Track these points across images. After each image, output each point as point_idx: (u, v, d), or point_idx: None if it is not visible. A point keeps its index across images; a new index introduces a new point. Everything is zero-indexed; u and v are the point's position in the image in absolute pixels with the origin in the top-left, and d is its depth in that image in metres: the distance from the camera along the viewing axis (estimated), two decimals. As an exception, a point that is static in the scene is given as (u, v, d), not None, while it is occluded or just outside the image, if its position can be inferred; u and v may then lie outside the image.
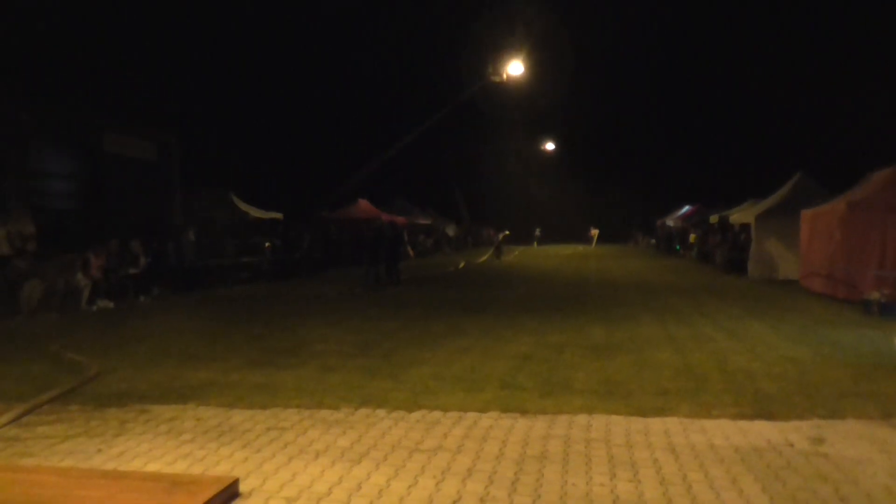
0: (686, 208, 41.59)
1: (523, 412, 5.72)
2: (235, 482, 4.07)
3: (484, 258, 31.95)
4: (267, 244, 23.54)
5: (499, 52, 31.64)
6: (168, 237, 18.93)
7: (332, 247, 27.18)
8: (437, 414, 5.70)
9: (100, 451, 4.86)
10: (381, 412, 5.76)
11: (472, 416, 5.64)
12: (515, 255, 36.98)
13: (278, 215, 25.62)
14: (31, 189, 17.13)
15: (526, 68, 30.85)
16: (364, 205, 31.63)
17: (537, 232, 54.72)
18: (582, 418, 5.54)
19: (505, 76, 31.56)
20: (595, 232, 53.91)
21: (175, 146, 22.23)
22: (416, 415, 5.67)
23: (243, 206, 23.93)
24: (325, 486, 4.15)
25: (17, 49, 20.79)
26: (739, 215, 23.63)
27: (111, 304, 14.06)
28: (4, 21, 19.78)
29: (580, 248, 49.05)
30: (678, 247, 36.91)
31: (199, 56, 28.70)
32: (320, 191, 31.90)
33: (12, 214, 15.50)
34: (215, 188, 24.00)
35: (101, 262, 14.71)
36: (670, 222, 42.36)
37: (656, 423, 5.38)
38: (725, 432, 5.15)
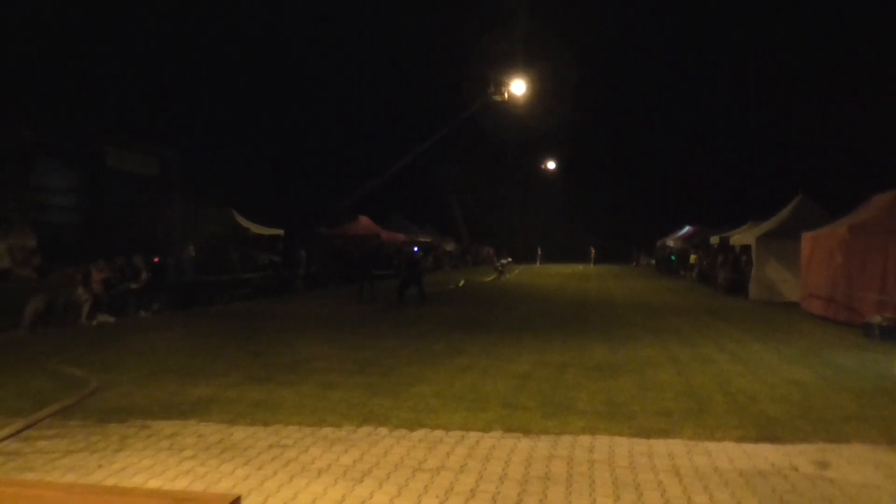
0: (686, 229, 41.65)
1: (526, 432, 5.70)
2: (238, 500, 4.03)
3: (490, 278, 31.89)
4: (267, 260, 23.53)
5: (501, 70, 31.83)
6: (168, 252, 18.93)
7: (331, 264, 27.19)
8: (439, 433, 5.67)
9: (101, 466, 4.83)
10: (382, 430, 5.73)
11: (474, 435, 5.62)
12: (516, 274, 37.00)
13: (279, 231, 25.64)
14: (34, 203, 17.18)
15: (528, 87, 31.03)
16: (365, 221, 31.67)
17: (539, 251, 54.78)
18: (585, 439, 5.52)
19: (506, 95, 31.74)
20: (593, 251, 53.95)
21: (176, 162, 22.32)
22: (419, 433, 5.65)
23: (244, 223, 23.95)
24: (328, 505, 4.13)
25: (20, 66, 20.89)
26: (740, 236, 23.65)
27: (112, 319, 14.03)
28: (7, 38, 19.90)
29: (580, 267, 49.11)
30: (673, 257, 36.97)
31: (201, 73, 28.86)
32: (320, 207, 31.93)
33: (14, 228, 15.53)
34: (216, 204, 24.03)
35: (103, 277, 14.70)
36: (671, 242, 42.40)
37: (660, 445, 5.35)
38: (730, 455, 5.12)
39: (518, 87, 31.19)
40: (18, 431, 5.66)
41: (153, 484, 4.47)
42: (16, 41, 20.57)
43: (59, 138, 18.25)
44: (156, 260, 17.43)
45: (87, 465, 4.86)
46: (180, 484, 4.48)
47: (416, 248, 27.36)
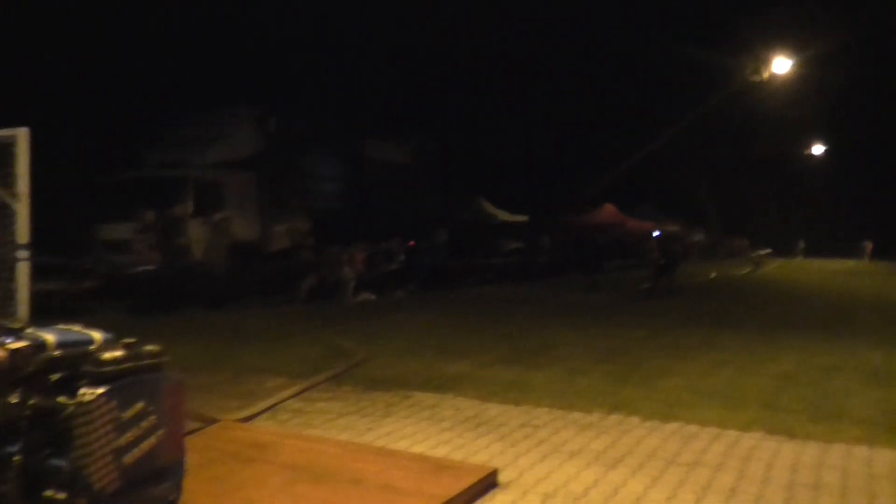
0: None
1: (791, 435, 5.31)
2: (494, 472, 4.22)
3: (744, 271, 30.00)
4: (511, 246, 24.12)
5: (761, 48, 29.63)
6: (422, 237, 20.08)
7: (574, 251, 27.17)
8: (693, 427, 5.47)
9: (370, 429, 5.28)
10: (634, 419, 5.65)
11: (732, 433, 5.34)
12: (774, 267, 34.42)
13: (524, 218, 26.12)
14: (307, 190, 19.01)
15: (791, 65, 28.58)
16: (609, 209, 31.22)
17: (801, 244, 50.19)
18: (861, 450, 5.02)
19: (767, 75, 29.53)
20: (869, 245, 48.26)
21: (430, 151, 23.54)
22: (672, 426, 5.49)
23: (491, 209, 24.72)
24: (581, 487, 4.16)
25: (295, 70, 23.31)
26: None
27: (373, 297, 15.24)
28: (286, 45, 22.31)
29: (850, 262, 44.38)
30: None
31: (454, 66, 30.08)
32: (565, 195, 32.01)
33: (292, 212, 17.35)
34: (466, 191, 25.03)
35: (365, 258, 15.99)
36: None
37: (955, 463, 4.73)
38: None
39: (781, 65, 28.82)
40: (301, 392, 6.36)
41: (416, 449, 4.80)
42: (295, 49, 22.99)
43: (328, 132, 20.02)
44: (411, 244, 18.60)
45: (358, 427, 5.33)
46: (440, 452, 4.76)
47: (657, 233, 26.46)
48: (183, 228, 13.52)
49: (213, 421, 5.06)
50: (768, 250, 36.66)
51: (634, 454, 4.78)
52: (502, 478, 4.26)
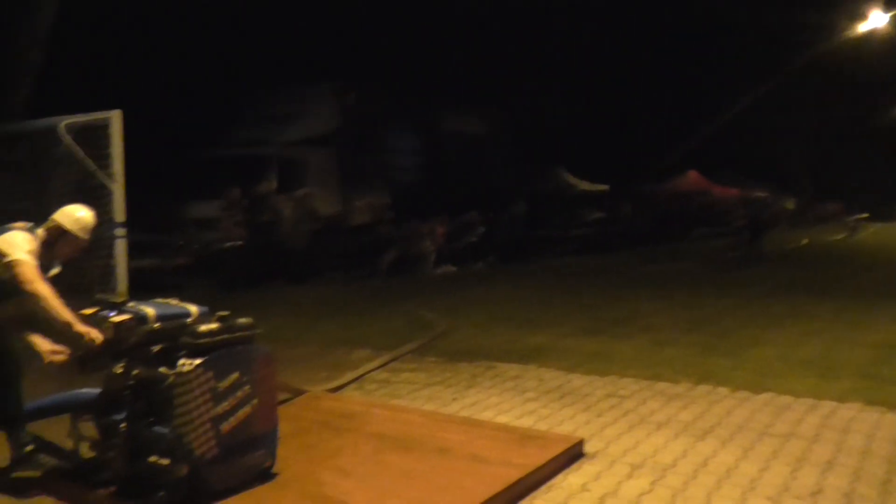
0: None
1: (891, 407, 5.08)
2: (581, 442, 4.20)
3: (839, 237, 28.74)
4: (592, 217, 23.80)
5: (856, 2, 28.01)
6: (501, 209, 19.99)
7: (657, 220, 26.56)
8: (786, 398, 5.30)
9: (455, 399, 5.33)
10: (722, 390, 5.52)
11: (827, 404, 5.15)
12: (870, 233, 32.82)
13: (604, 187, 25.67)
14: (386, 165, 19.13)
15: (890, 19, 26.94)
16: (693, 176, 30.31)
17: None
18: (972, 422, 4.77)
19: (862, 30, 27.98)
20: None
21: (507, 122, 23.32)
22: (763, 397, 5.33)
23: (571, 179, 24.39)
24: (670, 458, 4.10)
25: (372, 45, 23.48)
26: None
27: (453, 269, 15.31)
28: (364, 20, 22.46)
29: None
30: None
31: (529, 35, 29.61)
32: (648, 162, 31.24)
33: (372, 187, 17.52)
34: (544, 161, 24.75)
35: (445, 231, 16.05)
36: None
37: None
38: None
39: (877, 19, 27.21)
40: (386, 363, 6.48)
41: (501, 420, 4.82)
42: (374, 24, 23.12)
43: (406, 105, 20.05)
44: (490, 216, 18.54)
45: (443, 397, 5.39)
46: (525, 422, 4.77)
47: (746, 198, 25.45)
48: (267, 205, 13.83)
49: (303, 392, 5.21)
50: (865, 215, 34.82)
51: (724, 425, 4.68)
52: (588, 448, 4.24)
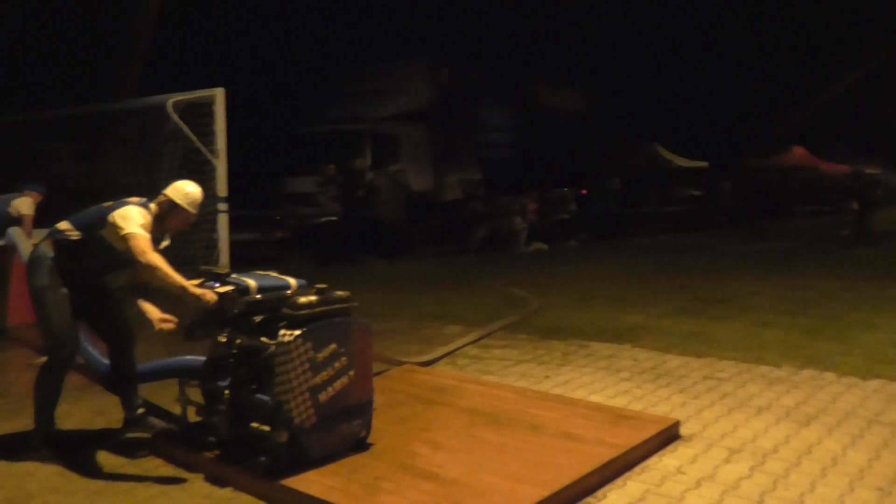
0: None
1: None
2: (676, 424, 4.11)
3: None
4: (689, 193, 23.10)
5: None
6: (594, 185, 19.66)
7: (760, 198, 25.52)
8: (899, 386, 5.03)
9: (547, 377, 5.30)
10: (829, 375, 5.28)
11: (946, 393, 4.86)
12: None
13: (703, 164, 24.83)
14: (478, 140, 19.08)
15: None
16: (799, 152, 28.90)
17: None
18: None
19: None
20: None
21: (602, 97, 22.82)
22: (873, 384, 5.07)
23: (667, 155, 23.70)
24: (770, 443, 3.96)
25: (465, 19, 23.35)
26: None
27: (545, 246, 15.20)
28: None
29: None
30: None
31: (624, 6, 28.80)
32: (750, 138, 29.95)
33: (464, 163, 17.52)
34: (639, 137, 24.14)
35: (536, 207, 15.93)
36: None
37: None
38: None
39: None
40: (478, 339, 6.50)
41: (594, 399, 4.77)
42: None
43: (499, 81, 19.88)
44: (583, 192, 18.27)
45: (535, 375, 5.38)
46: (619, 402, 4.70)
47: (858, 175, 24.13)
48: (362, 181, 14.06)
49: (398, 363, 5.29)
50: None
51: (830, 411, 4.48)
52: (684, 430, 4.15)
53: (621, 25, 28.51)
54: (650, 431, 3.88)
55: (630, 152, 23.44)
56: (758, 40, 32.86)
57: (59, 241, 3.77)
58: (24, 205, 7.26)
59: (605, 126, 23.02)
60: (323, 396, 3.43)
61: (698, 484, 3.47)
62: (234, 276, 3.64)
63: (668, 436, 3.99)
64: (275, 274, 3.79)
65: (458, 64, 17.75)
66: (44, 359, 3.89)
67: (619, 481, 3.50)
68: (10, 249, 6.90)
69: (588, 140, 22.00)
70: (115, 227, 3.65)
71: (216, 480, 3.47)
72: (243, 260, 9.73)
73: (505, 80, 19.92)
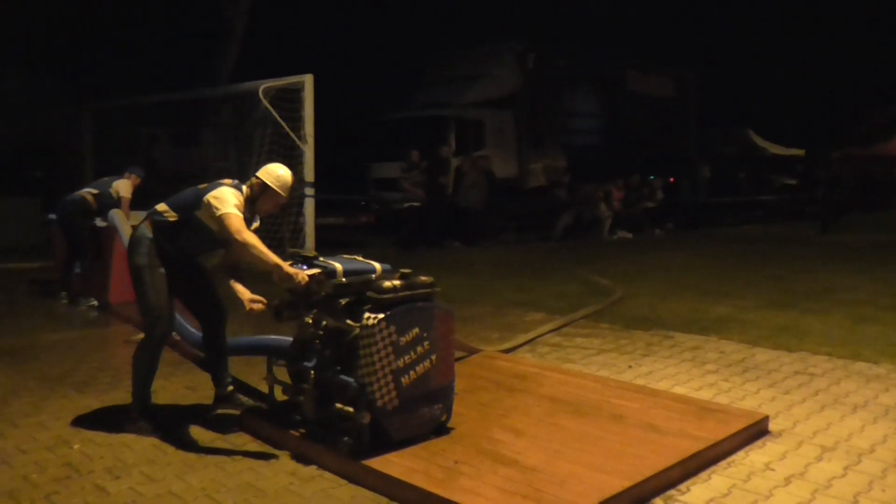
0: None
1: None
2: (765, 419, 3.98)
3: None
4: (784, 182, 22.26)
5: None
6: (683, 173, 19.16)
7: (859, 187, 24.34)
8: None
9: (630, 367, 5.22)
10: (932, 375, 5.02)
11: None
12: None
13: (800, 152, 23.86)
14: (564, 127, 18.87)
15: None
16: (903, 140, 27.40)
17: None
18: None
19: None
20: None
21: (693, 83, 22.17)
22: (983, 385, 4.79)
23: (761, 143, 22.88)
24: (867, 443, 3.79)
25: (553, 4, 23.05)
26: None
27: (629, 235, 14.93)
28: None
29: None
30: None
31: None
32: (850, 126, 28.58)
33: (548, 150, 17.37)
34: (732, 124, 23.38)
35: (622, 195, 15.64)
36: None
37: None
38: None
39: None
40: (559, 328, 6.45)
41: (678, 391, 4.66)
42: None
43: (587, 67, 19.57)
44: (671, 180, 17.84)
45: (617, 364, 5.30)
46: (704, 395, 4.59)
47: None
48: (446, 167, 14.12)
49: (478, 350, 5.31)
50: None
51: (934, 413, 4.26)
52: (774, 426, 4.01)
53: (716, 9, 27.59)
54: (737, 425, 3.77)
55: (721, 139, 22.74)
56: (860, 24, 31.26)
57: (158, 223, 3.94)
58: (123, 187, 7.60)
59: (698, 113, 22.35)
60: (405, 380, 3.47)
61: (788, 481, 3.36)
62: (321, 259, 3.72)
63: (757, 431, 3.87)
64: (360, 258, 3.85)
65: (544, 49, 17.57)
66: (141, 335, 4.08)
67: (703, 475, 3.42)
68: (112, 231, 7.27)
69: (678, 126, 21.43)
70: (210, 208, 3.77)
71: (301, 458, 3.57)
72: (328, 243, 9.95)
73: (594, 66, 19.60)
